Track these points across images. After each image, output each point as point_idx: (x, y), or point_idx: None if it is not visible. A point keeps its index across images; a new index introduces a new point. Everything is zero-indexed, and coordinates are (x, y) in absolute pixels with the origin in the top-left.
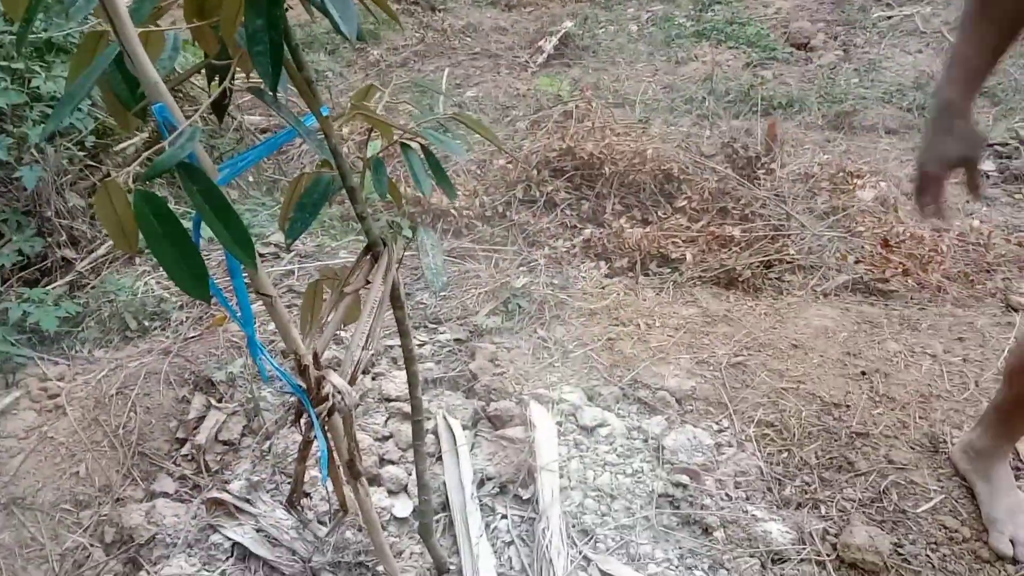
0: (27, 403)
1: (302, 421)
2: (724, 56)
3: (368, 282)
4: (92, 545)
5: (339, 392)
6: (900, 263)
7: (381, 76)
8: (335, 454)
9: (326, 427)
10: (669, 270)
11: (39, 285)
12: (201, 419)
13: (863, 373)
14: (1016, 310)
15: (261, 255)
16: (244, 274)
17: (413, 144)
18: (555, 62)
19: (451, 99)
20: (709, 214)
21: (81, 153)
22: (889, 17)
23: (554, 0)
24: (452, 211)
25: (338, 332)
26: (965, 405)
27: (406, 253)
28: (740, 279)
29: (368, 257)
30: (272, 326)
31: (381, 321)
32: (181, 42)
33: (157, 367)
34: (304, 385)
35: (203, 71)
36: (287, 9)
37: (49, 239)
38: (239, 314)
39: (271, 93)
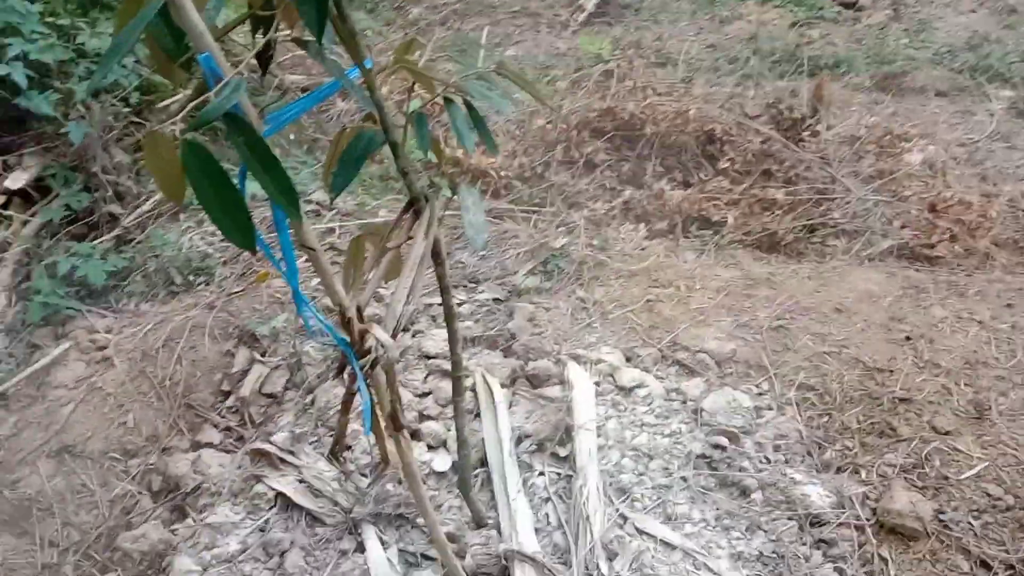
0: (76, 354)
1: (345, 374)
2: (769, 15)
3: (410, 238)
4: (140, 493)
5: (382, 345)
6: (947, 229)
7: (421, 34)
8: (377, 407)
9: (369, 380)
10: (710, 233)
11: (86, 239)
12: (245, 372)
13: (908, 338)
14: None
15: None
16: (289, 229)
17: (456, 98)
18: (596, 21)
19: (490, 57)
20: (752, 176)
21: (126, 110)
22: None
23: None
24: (491, 171)
25: (379, 289)
26: (1012, 372)
27: (446, 213)
28: (783, 243)
29: (410, 214)
30: (316, 281)
31: (422, 278)
32: None
33: (202, 321)
34: (348, 338)
35: (247, 25)
36: None
37: (95, 194)
38: (283, 267)
39: (316, 44)
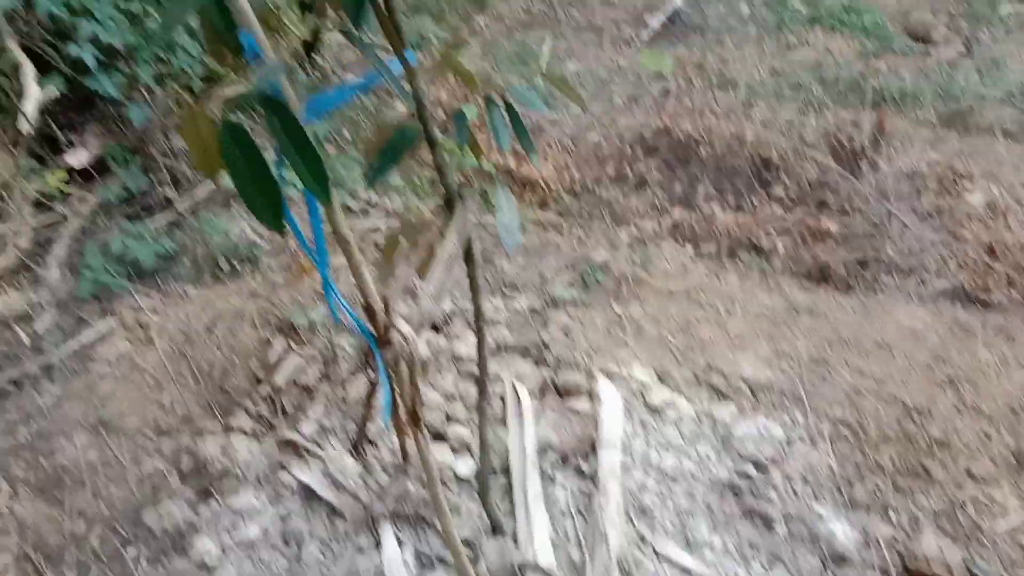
0: (121, 332)
1: (370, 366)
2: (837, 43)
3: (442, 235)
4: (169, 471)
5: (405, 339)
6: (1006, 274)
7: (486, 44)
8: (399, 402)
9: (392, 374)
10: (759, 260)
11: (140, 220)
12: (281, 361)
13: (950, 380)
14: None
15: (351, 210)
16: (320, 215)
17: (496, 98)
18: (661, 39)
19: (553, 72)
20: (806, 205)
21: (189, 97)
22: (1019, 13)
23: None
24: (540, 183)
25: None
26: None
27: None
28: (833, 275)
29: (445, 212)
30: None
31: (451, 276)
32: None
33: (243, 308)
34: (374, 331)
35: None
36: None
37: (152, 177)
38: (314, 251)
39: (355, 29)
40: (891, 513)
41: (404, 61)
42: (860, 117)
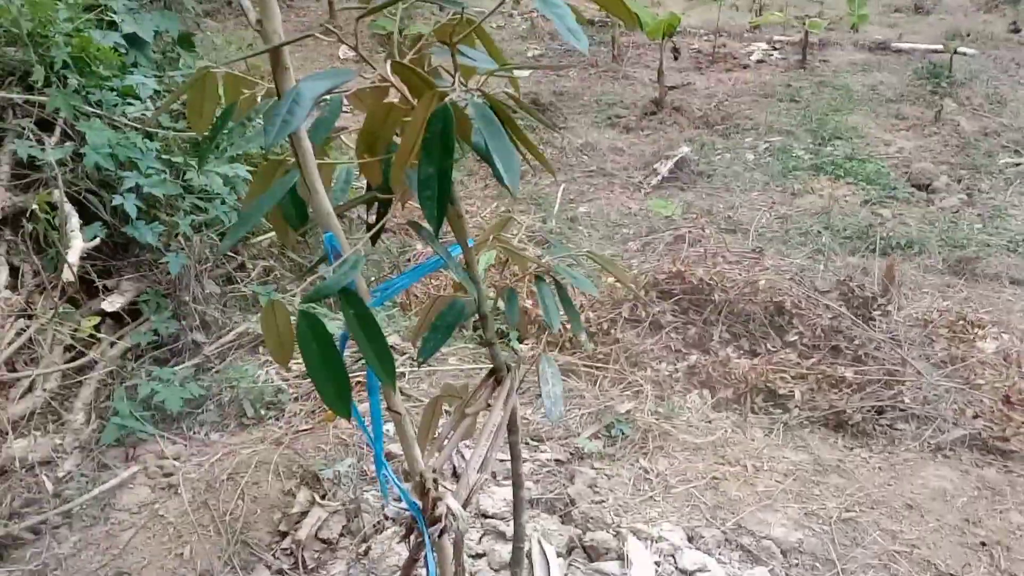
0: (143, 479)
1: (412, 538)
2: (842, 191)
3: (489, 405)
4: None
5: (453, 515)
6: (1023, 422)
7: (499, 188)
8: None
9: (434, 548)
10: (776, 407)
11: (168, 365)
12: (304, 514)
13: (983, 544)
14: None
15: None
16: (380, 393)
17: (546, 277)
18: (669, 185)
19: (565, 213)
20: (820, 352)
21: (222, 252)
22: (1017, 164)
23: (672, 125)
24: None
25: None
26: None
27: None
28: (850, 423)
29: (491, 381)
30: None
31: (497, 447)
32: (353, 176)
33: (268, 457)
34: (420, 504)
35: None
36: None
37: (183, 322)
38: (371, 430)
39: (432, 231)
40: None
41: (465, 248)
42: (869, 264)
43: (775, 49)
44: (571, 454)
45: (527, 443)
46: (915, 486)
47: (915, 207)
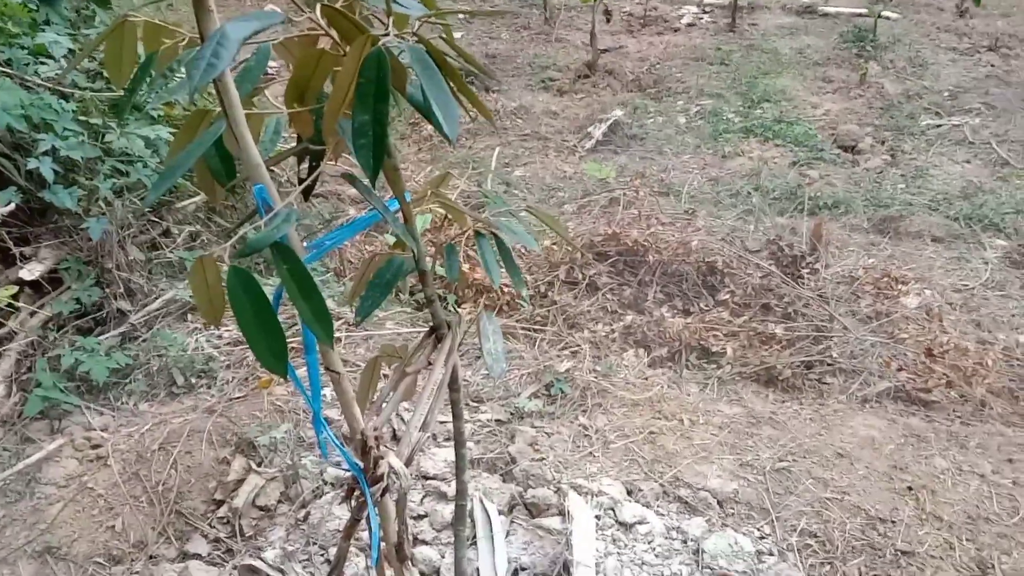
0: (70, 451)
1: (353, 499)
2: (771, 153)
3: (430, 363)
4: None
5: (396, 474)
6: (944, 374)
7: (433, 151)
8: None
9: (377, 507)
10: (710, 364)
11: (92, 334)
12: (240, 482)
13: (910, 488)
14: None
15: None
16: (317, 352)
17: (486, 232)
18: (603, 148)
19: (500, 177)
20: (751, 310)
21: (145, 208)
22: (938, 125)
23: (605, 88)
24: (495, 288)
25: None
26: (1015, 531)
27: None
28: (780, 378)
29: (431, 339)
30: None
31: (439, 405)
32: (283, 126)
33: (200, 425)
34: (361, 464)
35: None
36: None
37: (107, 290)
38: (308, 390)
39: (368, 182)
40: None
41: (402, 202)
42: (797, 224)
43: (705, 12)
44: (511, 414)
45: (467, 404)
46: (845, 435)
47: (841, 168)
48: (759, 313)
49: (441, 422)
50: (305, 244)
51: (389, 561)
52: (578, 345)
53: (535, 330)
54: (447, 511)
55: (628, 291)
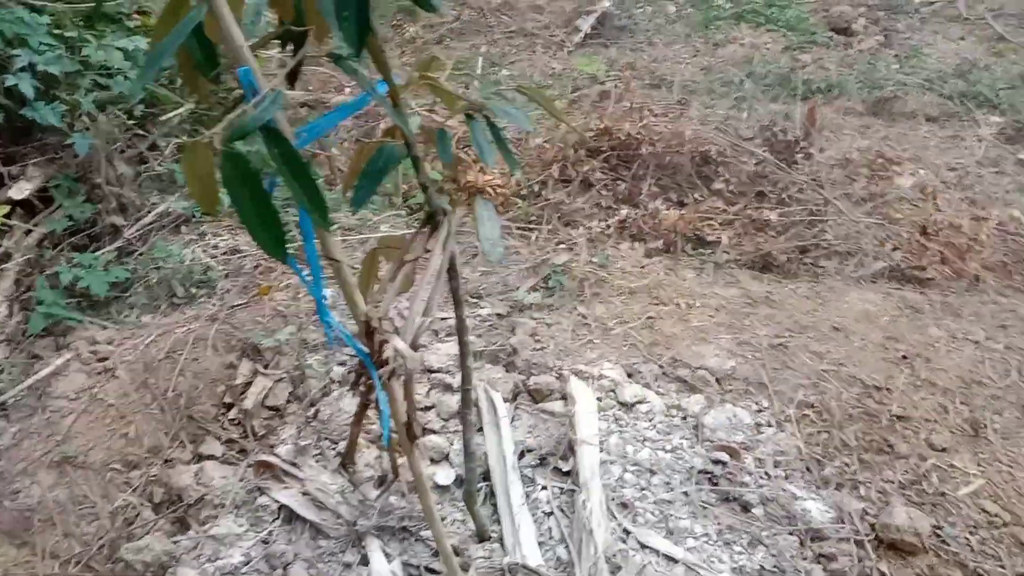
0: (77, 365)
1: (361, 384)
2: (763, 39)
3: (427, 251)
4: (142, 504)
5: (401, 356)
6: (938, 251)
7: (417, 53)
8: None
9: (385, 390)
10: (706, 251)
11: (88, 250)
12: (248, 385)
13: (904, 357)
14: None
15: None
16: (315, 239)
17: (477, 115)
18: (592, 42)
19: (488, 77)
20: (746, 197)
21: (130, 122)
22: (931, 3)
23: None
24: (489, 188)
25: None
26: (1006, 392)
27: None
28: (776, 263)
29: (427, 228)
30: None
31: (440, 291)
32: (264, 11)
33: (204, 333)
34: (367, 349)
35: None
36: None
37: (99, 205)
38: (308, 277)
39: (353, 59)
40: (860, 488)
41: (391, 83)
42: (791, 109)
43: None
44: (511, 307)
45: (467, 300)
46: (841, 311)
47: (834, 51)
48: (754, 200)
49: (442, 318)
50: (295, 130)
51: (400, 443)
52: (574, 241)
53: (530, 228)
54: (453, 401)
55: (622, 186)
